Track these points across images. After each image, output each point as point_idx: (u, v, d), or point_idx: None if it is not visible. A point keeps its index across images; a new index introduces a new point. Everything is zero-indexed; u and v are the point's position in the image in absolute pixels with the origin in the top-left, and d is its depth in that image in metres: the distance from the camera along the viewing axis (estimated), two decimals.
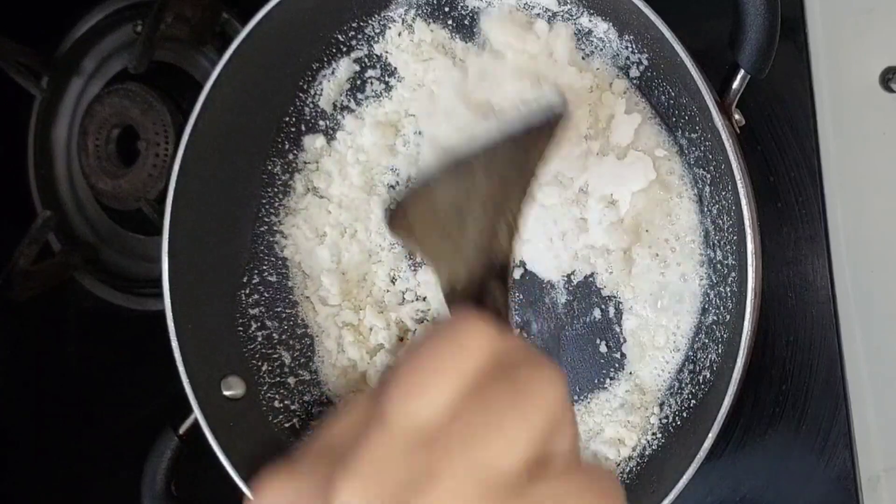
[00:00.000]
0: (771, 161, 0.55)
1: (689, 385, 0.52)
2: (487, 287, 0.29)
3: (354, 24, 0.58)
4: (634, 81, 0.54)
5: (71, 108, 0.73)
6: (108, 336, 0.71)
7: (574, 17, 0.54)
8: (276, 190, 0.61)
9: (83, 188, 0.71)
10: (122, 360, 0.71)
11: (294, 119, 0.60)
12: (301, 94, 0.60)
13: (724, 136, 0.44)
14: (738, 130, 0.47)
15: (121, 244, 0.71)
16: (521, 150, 0.31)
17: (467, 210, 0.29)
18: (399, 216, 0.31)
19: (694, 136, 0.51)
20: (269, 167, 0.60)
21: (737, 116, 0.47)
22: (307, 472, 0.24)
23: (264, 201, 0.60)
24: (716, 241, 0.51)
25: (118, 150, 0.67)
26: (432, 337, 0.25)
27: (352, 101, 0.61)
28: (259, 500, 0.25)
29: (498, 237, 0.30)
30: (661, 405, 0.53)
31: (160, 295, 0.53)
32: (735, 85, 0.46)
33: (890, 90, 0.54)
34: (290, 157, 0.61)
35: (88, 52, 0.72)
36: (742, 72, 0.45)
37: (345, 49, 0.59)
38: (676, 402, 0.52)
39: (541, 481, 0.24)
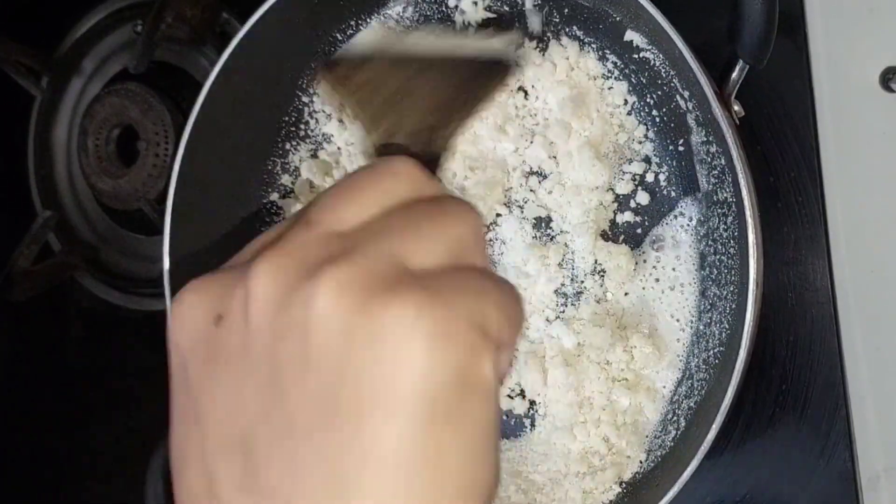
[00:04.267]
0: (771, 161, 0.55)
1: (693, 378, 0.52)
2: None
3: (353, 23, 0.58)
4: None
5: (71, 108, 0.73)
6: (108, 336, 0.71)
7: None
8: (276, 189, 0.61)
9: (83, 188, 0.71)
10: (122, 360, 0.71)
11: (294, 119, 0.60)
12: (301, 94, 0.60)
13: (724, 126, 0.44)
14: (737, 122, 0.47)
15: (121, 244, 0.71)
16: (474, 80, 0.31)
17: (409, 105, 0.30)
18: (342, 72, 0.30)
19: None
20: (269, 167, 0.60)
21: (736, 108, 0.47)
22: (230, 271, 0.25)
23: (265, 201, 0.60)
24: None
25: (118, 150, 0.67)
26: (364, 167, 0.26)
27: None
28: (180, 302, 0.25)
29: (433, 139, 0.30)
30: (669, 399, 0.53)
31: (160, 295, 0.53)
32: (734, 76, 0.46)
33: (890, 90, 0.54)
34: (291, 156, 0.61)
35: (88, 52, 0.72)
36: (741, 62, 0.45)
37: (344, 48, 0.59)
38: (683, 395, 0.53)
39: (449, 274, 0.24)
